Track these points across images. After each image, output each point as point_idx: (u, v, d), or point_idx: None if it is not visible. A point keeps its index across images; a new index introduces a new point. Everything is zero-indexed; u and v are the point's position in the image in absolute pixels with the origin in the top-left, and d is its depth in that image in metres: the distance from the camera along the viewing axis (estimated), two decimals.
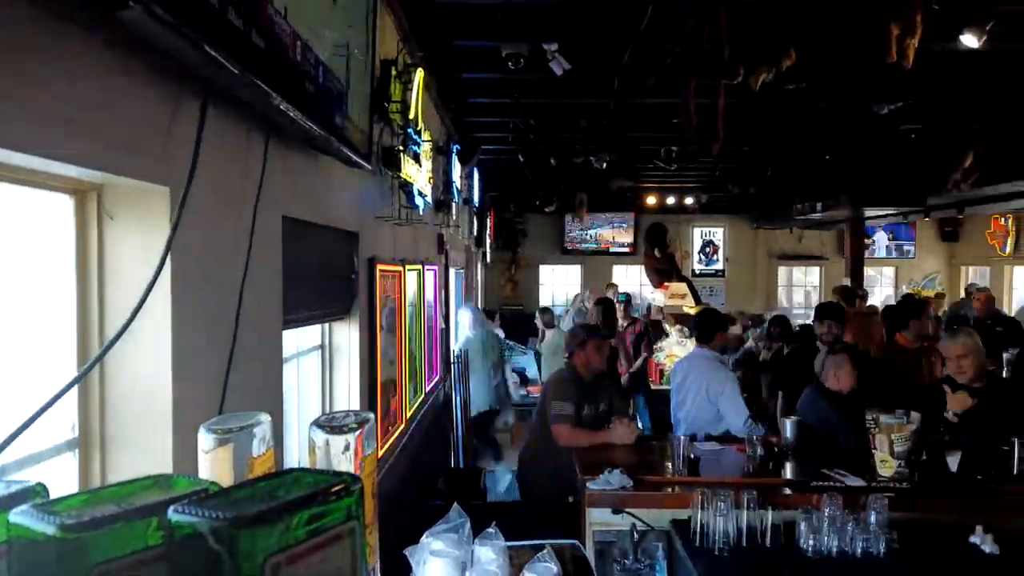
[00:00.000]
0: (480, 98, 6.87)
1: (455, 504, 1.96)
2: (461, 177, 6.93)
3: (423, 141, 4.11)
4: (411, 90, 3.80)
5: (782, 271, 15.90)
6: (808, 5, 4.69)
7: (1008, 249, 13.43)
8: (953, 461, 3.45)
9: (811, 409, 4.18)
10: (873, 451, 3.50)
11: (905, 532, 2.95)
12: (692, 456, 3.65)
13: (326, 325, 3.18)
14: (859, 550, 2.86)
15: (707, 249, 15.98)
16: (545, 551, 2.01)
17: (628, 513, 3.30)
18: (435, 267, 5.87)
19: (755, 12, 4.66)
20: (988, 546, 2.95)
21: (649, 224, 15.22)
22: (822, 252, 15.46)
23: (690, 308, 11.49)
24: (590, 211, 13.84)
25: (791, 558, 2.87)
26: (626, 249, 15.60)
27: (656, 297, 13.46)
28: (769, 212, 13.66)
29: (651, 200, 13.33)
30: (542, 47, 5.01)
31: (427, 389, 5.30)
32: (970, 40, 4.32)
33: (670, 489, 3.44)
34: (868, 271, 12.58)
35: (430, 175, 4.68)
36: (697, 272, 15.71)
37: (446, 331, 6.71)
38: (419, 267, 4.88)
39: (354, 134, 2.73)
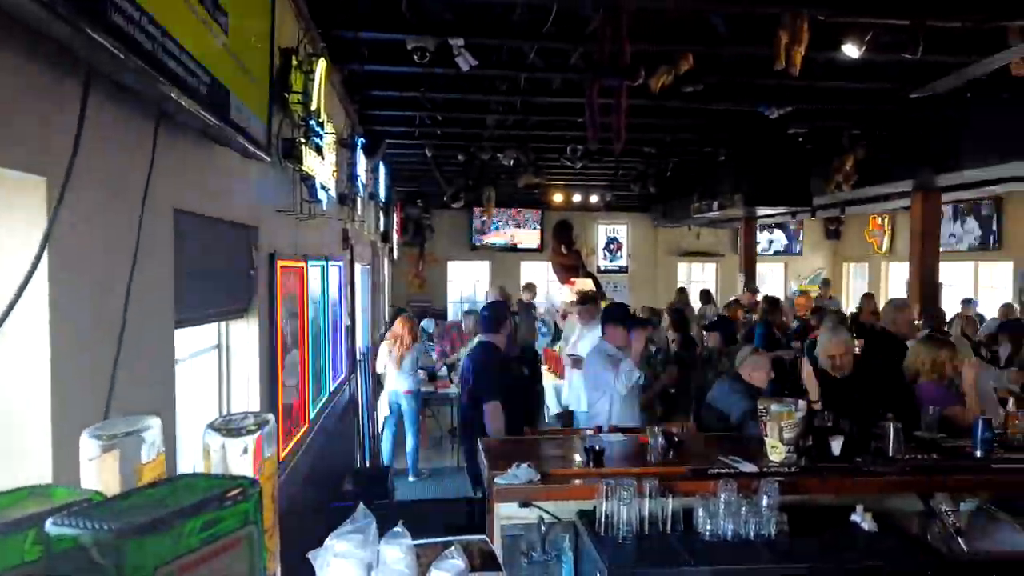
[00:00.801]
0: (386, 91, 6.77)
1: (360, 504, 1.93)
2: (366, 171, 6.80)
3: (326, 133, 4.01)
4: (313, 81, 3.69)
5: (682, 267, 16.53)
6: (703, 12, 4.88)
7: (885, 247, 14.48)
8: (836, 445, 3.69)
9: (726, 398, 4.41)
10: (764, 437, 3.69)
11: (794, 513, 3.14)
12: (597, 448, 3.74)
13: (223, 324, 3.05)
14: (752, 532, 3.01)
15: (611, 246, 16.40)
16: (453, 547, 2.00)
17: (535, 506, 3.34)
18: (340, 263, 5.74)
19: (655, 16, 4.80)
20: (867, 524, 3.17)
21: (556, 221, 15.47)
22: (718, 249, 16.17)
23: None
24: (498, 207, 13.92)
25: (690, 542, 2.99)
26: (534, 246, 15.79)
27: (563, 293, 13.73)
28: (669, 210, 14.16)
29: (558, 198, 13.54)
30: (448, 42, 4.98)
31: (332, 388, 5.18)
32: (850, 50, 4.62)
33: (576, 481, 3.51)
34: (759, 267, 13.24)
35: (334, 168, 4.57)
36: (602, 268, 16.08)
37: (352, 328, 6.57)
38: (323, 263, 4.76)
39: (252, 124, 2.63)
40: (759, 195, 9.64)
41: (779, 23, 4.34)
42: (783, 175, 9.45)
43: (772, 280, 15.94)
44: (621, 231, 16.35)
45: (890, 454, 3.71)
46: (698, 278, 16.72)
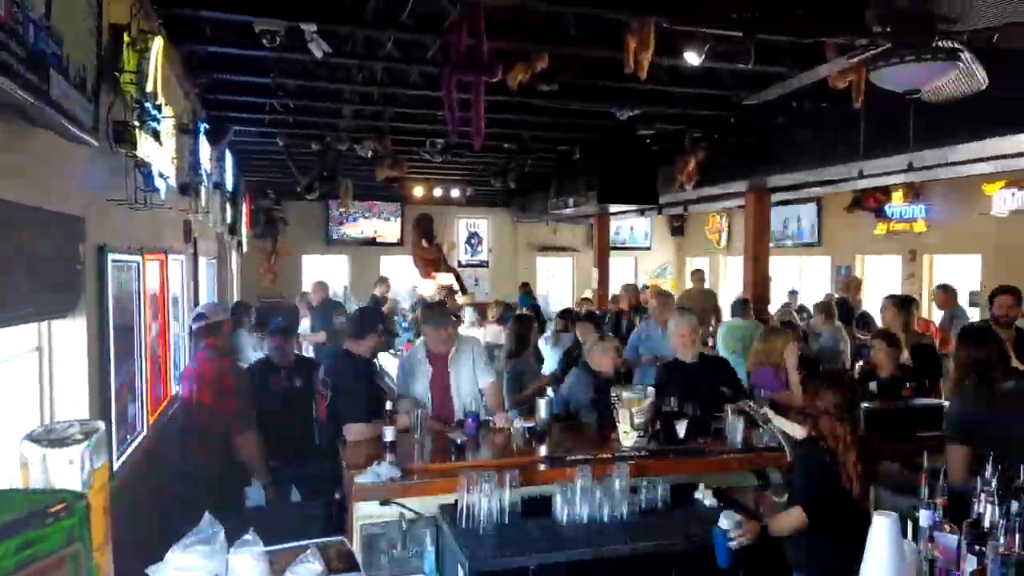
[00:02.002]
0: (233, 75, 6.40)
1: (206, 513, 1.82)
2: (211, 159, 6.40)
3: (164, 117, 3.72)
4: (148, 60, 3.41)
5: (540, 261, 16.94)
6: (558, 14, 5.01)
7: (723, 243, 15.64)
8: (681, 428, 3.93)
9: (578, 388, 4.55)
10: (617, 424, 3.87)
11: (644, 494, 3.32)
12: (458, 441, 3.75)
13: (45, 324, 2.75)
14: (606, 515, 3.15)
15: (472, 240, 16.52)
16: (309, 551, 1.94)
17: (396, 503, 3.31)
18: (182, 256, 5.37)
19: (511, 14, 4.87)
20: (708, 500, 3.41)
21: (416, 215, 15.34)
22: (574, 244, 16.73)
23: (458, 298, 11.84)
24: (356, 200, 13.59)
25: (549, 529, 3.08)
26: (394, 240, 15.57)
27: (426, 286, 13.70)
28: (528, 205, 14.46)
29: (418, 191, 13.42)
30: (300, 27, 4.78)
31: (175, 391, 4.84)
32: (692, 57, 4.92)
33: (439, 476, 3.50)
34: (612, 260, 13.78)
35: (173, 155, 4.25)
36: (463, 263, 16.16)
37: None
38: (162, 257, 4.42)
39: (77, 105, 2.39)
40: (611, 193, 10.03)
41: (628, 28, 4.54)
42: (633, 174, 9.90)
43: (623, 274, 16.70)
44: (482, 225, 16.51)
45: (727, 435, 4.01)
46: (555, 272, 17.22)
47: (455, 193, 13.57)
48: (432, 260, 15.08)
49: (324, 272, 14.88)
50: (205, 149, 5.97)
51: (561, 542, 2.95)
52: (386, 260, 15.61)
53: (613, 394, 3.93)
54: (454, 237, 16.16)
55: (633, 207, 11.53)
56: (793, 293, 11.36)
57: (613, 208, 11.86)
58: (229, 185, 8.49)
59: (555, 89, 6.15)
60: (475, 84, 4.31)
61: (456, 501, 3.12)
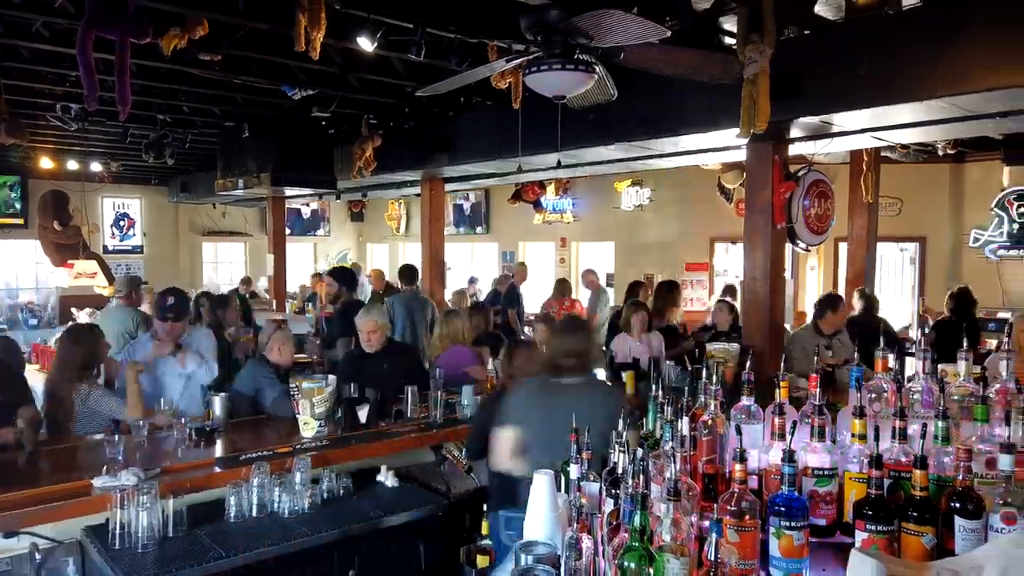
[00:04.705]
0: None
1: None
2: None
3: None
4: None
5: (207, 247, 15.59)
6: None
7: (402, 230, 16.04)
8: (363, 414, 3.96)
9: (252, 381, 4.29)
10: (297, 415, 3.76)
11: (326, 483, 3.28)
12: (108, 452, 3.30)
13: None
14: (286, 510, 3.04)
15: (121, 222, 14.54)
16: None
17: (27, 533, 2.80)
18: None
19: None
20: (390, 480, 3.50)
21: (45, 191, 13.02)
22: (246, 228, 15.72)
23: (102, 288, 10.35)
24: None
25: (222, 534, 2.87)
26: (16, 220, 13.01)
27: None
28: (191, 185, 13.20)
29: (47, 163, 11.31)
30: None
31: None
32: (365, 44, 4.91)
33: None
34: (289, 246, 13.25)
35: None
36: (110, 248, 14.16)
37: None
38: None
39: None
40: (285, 176, 9.63)
41: (298, 5, 4.36)
42: (309, 157, 9.62)
43: (301, 260, 16.20)
44: (133, 206, 14.60)
45: (408, 415, 4.16)
46: (227, 258, 16.02)
47: (96, 167, 11.74)
48: (68, 245, 12.96)
49: None
50: None
51: (235, 546, 2.77)
52: (2, 245, 13.01)
53: (292, 385, 3.80)
54: (97, 218, 14.05)
55: (309, 191, 11.22)
56: (473, 281, 12.16)
57: (289, 191, 11.40)
58: None
59: (217, 60, 5.67)
60: (120, 45, 3.77)
61: (107, 520, 2.74)
